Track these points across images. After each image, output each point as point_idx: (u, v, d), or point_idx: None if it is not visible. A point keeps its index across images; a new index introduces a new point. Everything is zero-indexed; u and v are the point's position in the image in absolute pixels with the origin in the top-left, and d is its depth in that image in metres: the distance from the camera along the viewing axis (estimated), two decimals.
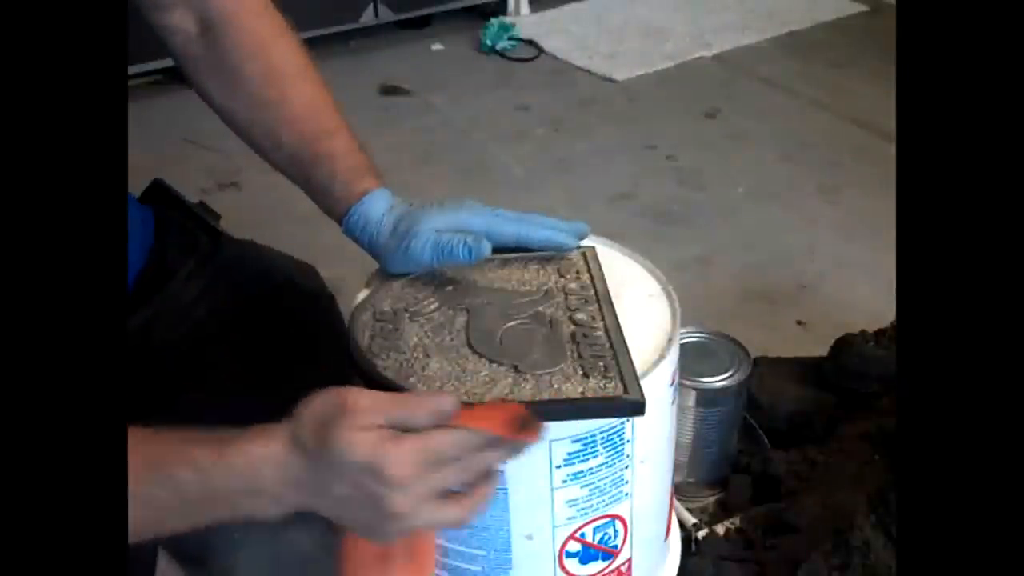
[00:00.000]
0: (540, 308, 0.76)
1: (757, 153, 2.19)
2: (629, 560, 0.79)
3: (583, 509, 0.73)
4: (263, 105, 0.86)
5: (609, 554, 0.77)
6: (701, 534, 1.01)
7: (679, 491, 1.08)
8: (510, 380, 0.68)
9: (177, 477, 0.60)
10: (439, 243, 0.77)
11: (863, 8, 2.94)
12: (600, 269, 0.81)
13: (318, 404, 0.60)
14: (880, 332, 1.20)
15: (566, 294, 0.78)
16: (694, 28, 2.83)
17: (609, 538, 0.76)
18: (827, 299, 1.66)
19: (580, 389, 0.67)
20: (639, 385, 0.67)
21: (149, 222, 0.95)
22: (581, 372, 0.68)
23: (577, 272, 0.80)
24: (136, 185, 0.97)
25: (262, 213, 1.71)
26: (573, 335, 0.72)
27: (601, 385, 0.67)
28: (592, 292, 0.78)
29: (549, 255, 0.82)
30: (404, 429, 0.59)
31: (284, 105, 0.86)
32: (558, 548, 0.74)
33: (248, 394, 0.92)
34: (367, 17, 2.71)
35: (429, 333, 0.73)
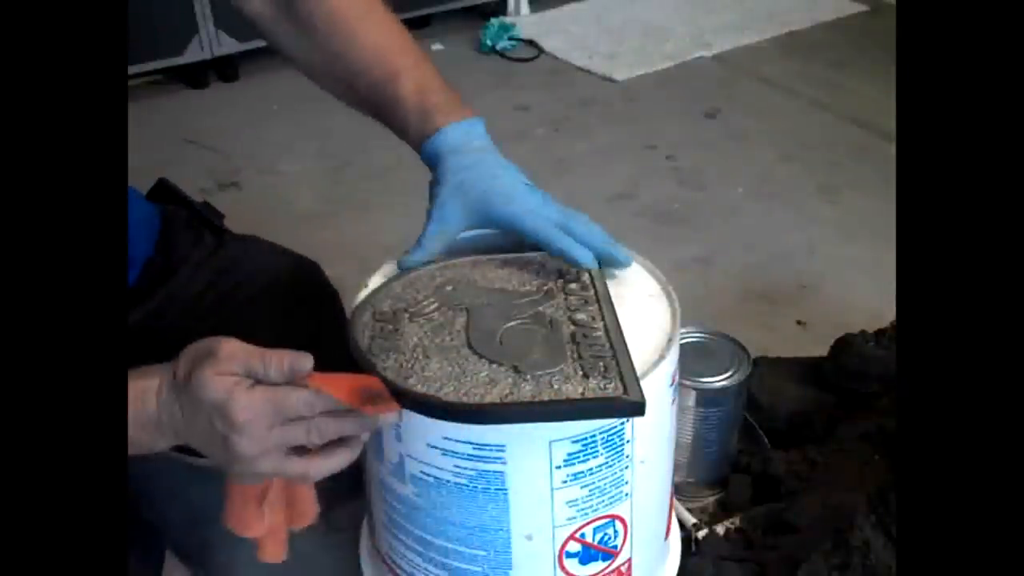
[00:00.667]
0: (540, 308, 0.76)
1: (757, 153, 2.19)
2: (629, 560, 0.79)
3: (583, 509, 0.73)
4: (334, 58, 0.88)
5: (609, 554, 0.77)
6: (701, 534, 1.01)
7: (679, 491, 1.08)
8: (510, 381, 0.68)
9: None
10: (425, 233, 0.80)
11: (863, 8, 2.94)
12: (600, 269, 0.81)
13: (195, 346, 0.65)
14: (880, 332, 1.20)
15: (566, 294, 0.77)
16: (694, 28, 2.83)
17: (609, 538, 0.76)
18: (827, 299, 1.66)
19: (580, 389, 0.67)
20: (639, 386, 0.67)
21: (155, 219, 0.96)
22: (581, 373, 0.68)
23: (577, 272, 0.80)
24: (138, 185, 0.98)
25: (262, 213, 1.71)
26: (573, 335, 0.72)
27: (601, 385, 0.67)
28: (592, 292, 0.78)
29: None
30: (259, 382, 0.63)
31: (351, 53, 0.87)
32: (558, 548, 0.74)
33: None
34: None
35: (429, 333, 0.73)
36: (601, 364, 0.69)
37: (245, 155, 2.08)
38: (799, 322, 1.60)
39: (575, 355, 0.70)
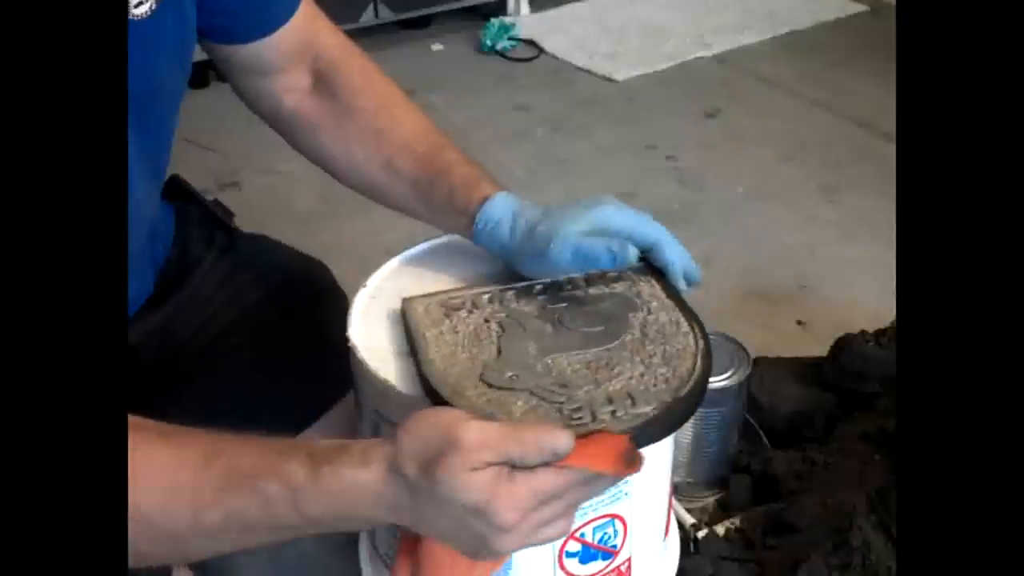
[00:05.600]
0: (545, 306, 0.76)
1: (757, 153, 2.19)
2: (629, 560, 0.79)
3: (583, 509, 0.73)
4: (378, 135, 0.87)
5: (609, 554, 0.77)
6: (701, 534, 1.01)
7: (679, 491, 1.08)
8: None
9: (267, 491, 0.58)
10: (581, 248, 0.76)
11: (863, 8, 2.94)
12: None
13: (422, 433, 0.58)
14: (880, 332, 1.20)
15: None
16: (694, 28, 2.83)
17: (609, 537, 0.76)
18: (827, 299, 1.66)
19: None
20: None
21: (171, 218, 0.98)
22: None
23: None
24: None
25: (262, 213, 1.71)
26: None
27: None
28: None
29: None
30: (513, 465, 0.57)
31: (397, 130, 0.87)
32: (558, 548, 0.74)
33: (262, 380, 0.94)
34: (367, 17, 2.71)
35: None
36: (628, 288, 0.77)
37: (245, 155, 2.08)
38: (799, 322, 1.60)
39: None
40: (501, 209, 0.80)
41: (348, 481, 0.58)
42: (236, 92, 0.92)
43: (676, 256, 0.78)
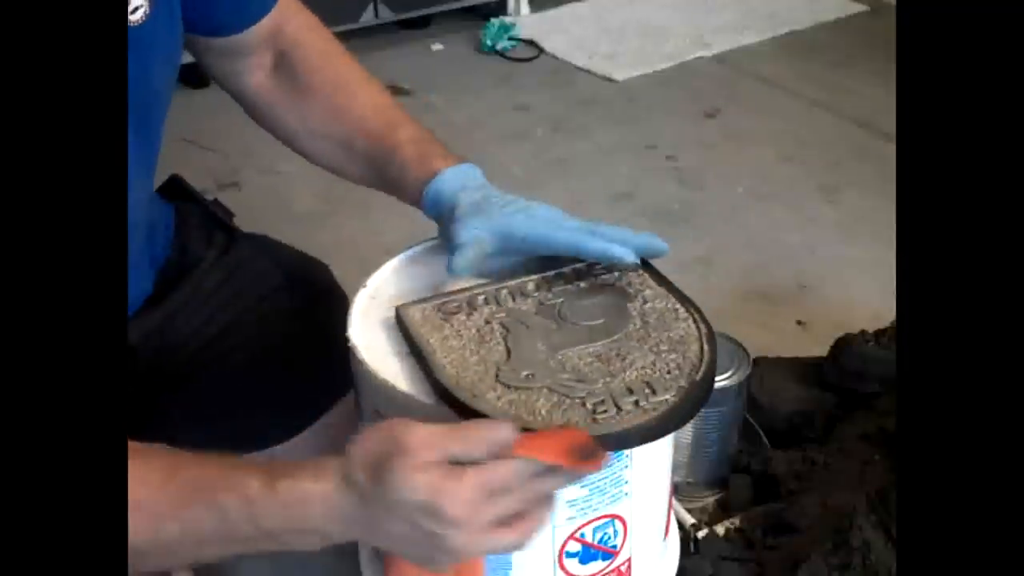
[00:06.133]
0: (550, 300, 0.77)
1: (757, 153, 2.19)
2: (629, 560, 0.79)
3: (583, 509, 0.73)
4: (335, 112, 0.89)
5: (609, 554, 0.77)
6: (701, 534, 1.01)
7: (679, 491, 1.08)
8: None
9: (224, 504, 0.60)
10: (452, 255, 0.77)
11: (863, 8, 2.94)
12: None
13: (370, 441, 0.59)
14: (880, 332, 1.20)
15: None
16: (694, 28, 2.83)
17: (609, 538, 0.76)
18: (827, 299, 1.66)
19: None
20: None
21: (171, 218, 0.98)
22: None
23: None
24: None
25: (262, 213, 1.71)
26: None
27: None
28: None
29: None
30: (460, 462, 0.58)
31: (354, 108, 0.89)
32: (558, 548, 0.74)
33: (262, 380, 0.94)
34: (367, 17, 2.71)
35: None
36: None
37: (245, 155, 2.08)
38: (799, 322, 1.60)
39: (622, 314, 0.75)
40: (448, 188, 0.81)
41: (302, 492, 0.59)
42: (206, 71, 0.93)
43: (599, 247, 0.76)
